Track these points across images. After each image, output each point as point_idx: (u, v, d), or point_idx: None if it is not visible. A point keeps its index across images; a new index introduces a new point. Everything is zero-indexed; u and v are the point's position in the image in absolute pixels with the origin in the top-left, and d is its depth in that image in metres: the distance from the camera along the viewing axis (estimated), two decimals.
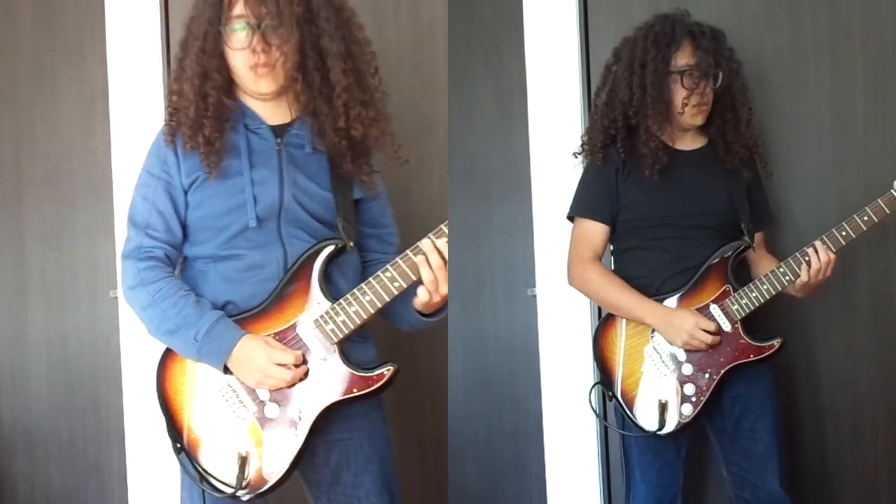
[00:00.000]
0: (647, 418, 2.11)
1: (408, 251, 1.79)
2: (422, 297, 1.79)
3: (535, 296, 2.71)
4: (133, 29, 2.78)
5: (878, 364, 2.42)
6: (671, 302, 2.13)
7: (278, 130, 1.88)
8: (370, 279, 1.80)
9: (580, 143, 2.29)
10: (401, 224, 2.60)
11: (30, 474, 2.92)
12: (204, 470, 1.79)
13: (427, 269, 1.77)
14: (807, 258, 2.07)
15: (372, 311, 1.79)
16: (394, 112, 2.64)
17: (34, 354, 2.91)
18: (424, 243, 1.78)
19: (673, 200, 2.16)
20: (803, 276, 2.07)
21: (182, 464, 1.81)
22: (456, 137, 2.78)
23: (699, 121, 2.16)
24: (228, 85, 1.85)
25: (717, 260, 2.13)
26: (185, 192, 1.84)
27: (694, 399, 2.10)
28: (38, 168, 2.90)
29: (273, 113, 1.89)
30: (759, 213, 2.24)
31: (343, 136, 1.85)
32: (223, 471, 1.79)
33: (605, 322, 2.19)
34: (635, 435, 2.15)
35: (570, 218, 2.27)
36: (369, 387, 1.79)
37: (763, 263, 2.21)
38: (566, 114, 2.66)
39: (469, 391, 2.84)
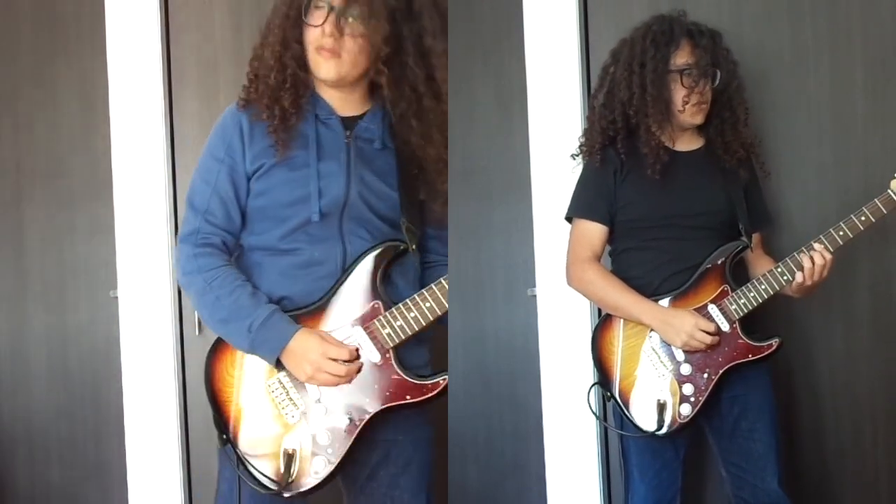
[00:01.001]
0: (645, 418, 2.11)
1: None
2: None
3: (535, 296, 2.71)
4: (133, 29, 2.78)
5: (878, 364, 2.42)
6: (669, 303, 2.13)
7: (348, 122, 1.84)
8: (432, 286, 1.77)
9: (578, 144, 2.29)
10: None
11: (30, 474, 2.92)
12: (248, 464, 1.77)
13: None
14: (804, 259, 2.07)
15: (431, 319, 1.76)
16: None
17: (34, 354, 2.91)
18: None
19: (671, 201, 2.15)
20: (798, 278, 2.08)
21: (228, 456, 1.78)
22: (456, 137, 2.78)
23: (699, 119, 2.16)
24: (305, 63, 1.80)
25: (715, 261, 2.13)
26: (249, 179, 1.81)
27: (693, 399, 2.09)
28: (38, 168, 2.90)
29: (344, 104, 1.85)
30: (757, 214, 2.24)
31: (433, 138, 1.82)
32: (267, 467, 1.76)
33: (603, 322, 2.19)
34: (634, 435, 2.15)
35: (569, 219, 2.27)
36: (423, 395, 1.77)
37: (760, 264, 2.21)
38: (566, 114, 2.66)
39: (469, 391, 2.84)
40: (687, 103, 2.12)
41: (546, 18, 2.68)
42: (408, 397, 1.76)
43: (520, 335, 2.77)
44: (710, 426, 2.21)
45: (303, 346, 1.74)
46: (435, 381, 1.77)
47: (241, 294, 1.77)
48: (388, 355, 1.77)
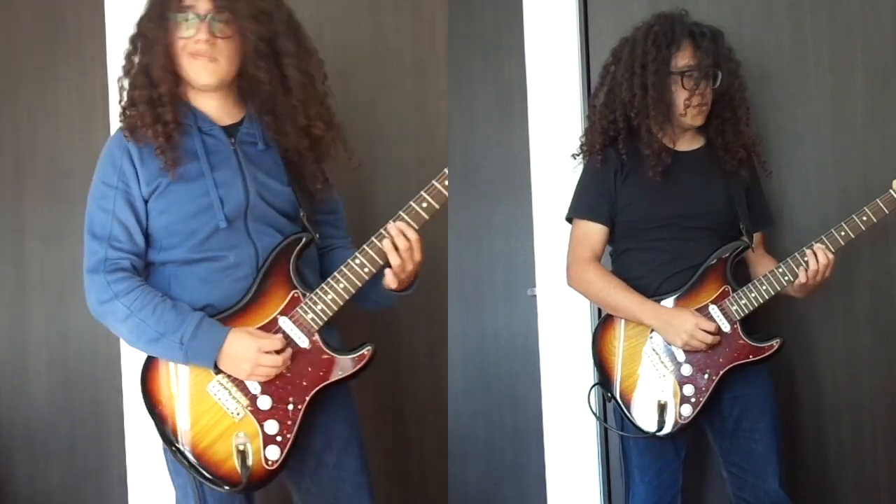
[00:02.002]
0: (646, 419, 2.11)
1: (373, 238, 1.86)
2: (389, 280, 1.88)
3: (535, 296, 2.71)
4: (132, 30, 2.77)
5: (879, 364, 2.42)
6: (670, 303, 2.13)
7: (230, 130, 1.93)
8: (342, 267, 1.86)
9: (578, 144, 2.29)
10: None
11: (30, 474, 2.91)
12: (203, 469, 1.82)
13: (394, 253, 1.84)
14: (805, 259, 2.07)
15: (347, 297, 1.86)
16: (394, 112, 2.66)
17: (34, 354, 2.90)
18: (390, 227, 1.84)
19: (672, 201, 2.15)
20: (801, 278, 2.07)
21: (181, 465, 1.84)
22: (456, 137, 2.78)
23: (699, 121, 2.16)
24: (178, 80, 1.88)
25: (715, 260, 2.13)
26: (146, 202, 1.85)
27: (693, 400, 2.09)
28: (38, 168, 2.90)
29: (222, 113, 1.94)
30: (758, 214, 2.24)
31: (304, 135, 1.92)
32: (223, 467, 1.82)
33: (603, 323, 2.19)
34: (634, 436, 2.15)
35: (569, 219, 2.27)
36: (354, 368, 1.87)
37: (762, 264, 2.21)
38: (566, 114, 2.66)
39: (469, 391, 2.84)
40: (689, 106, 2.11)
41: (546, 18, 2.68)
42: (339, 373, 1.87)
43: (520, 335, 2.77)
44: (711, 426, 2.21)
45: (236, 346, 1.80)
46: (360, 353, 1.88)
47: (164, 310, 1.81)
48: (314, 338, 1.86)
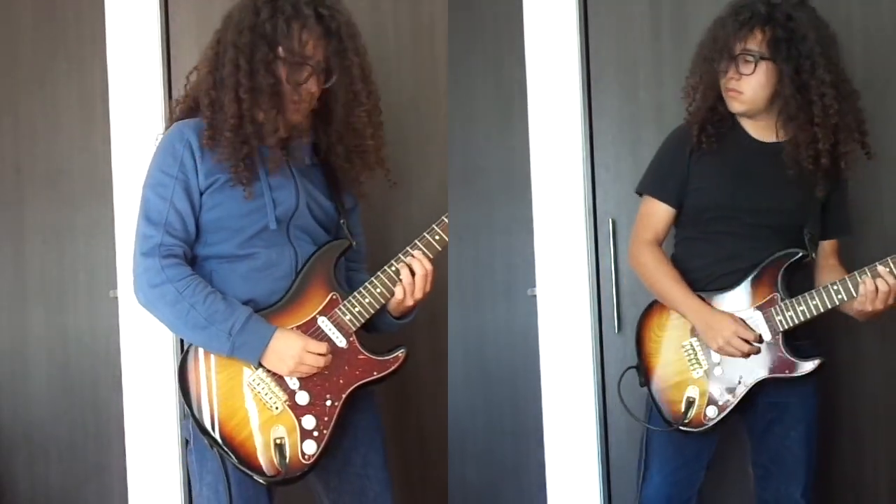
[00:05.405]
0: (672, 411, 2.07)
1: (408, 248, 1.94)
2: (397, 295, 1.93)
3: (535, 296, 2.71)
4: (133, 30, 2.78)
5: (880, 365, 2.42)
6: (718, 300, 2.05)
7: (281, 143, 1.97)
8: (378, 273, 1.94)
9: (684, 93, 2.14)
10: (401, 224, 2.60)
11: (30, 474, 2.92)
12: (241, 461, 1.86)
13: (408, 273, 1.92)
14: (865, 281, 1.90)
15: (383, 302, 1.94)
16: (394, 112, 2.65)
17: (34, 354, 2.91)
18: (416, 252, 1.92)
19: (738, 193, 2.05)
20: (859, 301, 1.92)
21: (218, 456, 1.87)
22: (456, 137, 2.78)
23: (735, 108, 2.04)
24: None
25: (769, 265, 2.02)
26: (202, 194, 1.91)
27: (721, 403, 2.03)
28: (38, 168, 2.90)
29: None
30: (833, 221, 2.10)
31: (349, 153, 1.99)
32: (259, 459, 1.87)
33: (650, 308, 2.14)
34: (658, 429, 2.10)
35: (639, 192, 2.19)
36: (387, 369, 1.94)
37: (828, 276, 2.05)
38: (566, 114, 2.66)
39: (469, 391, 2.84)
40: (725, 88, 2.03)
41: (546, 18, 2.68)
42: (375, 373, 1.93)
43: (520, 335, 2.77)
44: (745, 421, 2.14)
45: (283, 344, 1.86)
46: (395, 355, 1.94)
47: (214, 300, 1.86)
48: (352, 339, 1.93)
